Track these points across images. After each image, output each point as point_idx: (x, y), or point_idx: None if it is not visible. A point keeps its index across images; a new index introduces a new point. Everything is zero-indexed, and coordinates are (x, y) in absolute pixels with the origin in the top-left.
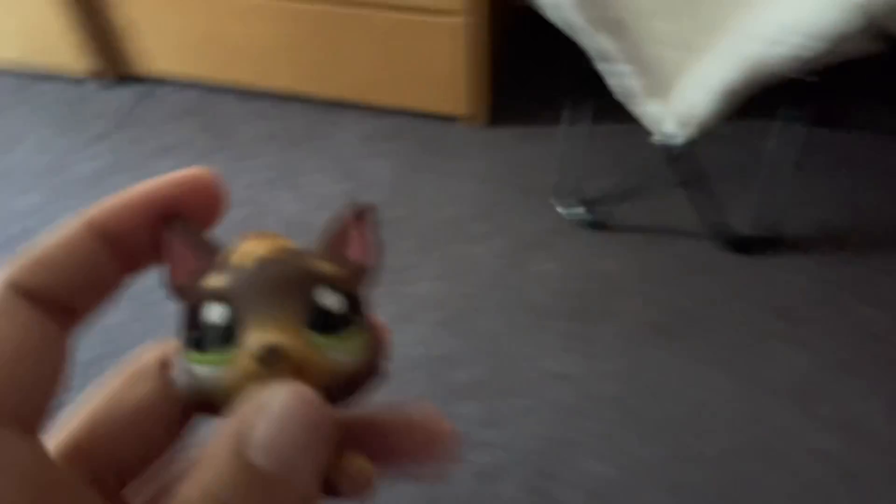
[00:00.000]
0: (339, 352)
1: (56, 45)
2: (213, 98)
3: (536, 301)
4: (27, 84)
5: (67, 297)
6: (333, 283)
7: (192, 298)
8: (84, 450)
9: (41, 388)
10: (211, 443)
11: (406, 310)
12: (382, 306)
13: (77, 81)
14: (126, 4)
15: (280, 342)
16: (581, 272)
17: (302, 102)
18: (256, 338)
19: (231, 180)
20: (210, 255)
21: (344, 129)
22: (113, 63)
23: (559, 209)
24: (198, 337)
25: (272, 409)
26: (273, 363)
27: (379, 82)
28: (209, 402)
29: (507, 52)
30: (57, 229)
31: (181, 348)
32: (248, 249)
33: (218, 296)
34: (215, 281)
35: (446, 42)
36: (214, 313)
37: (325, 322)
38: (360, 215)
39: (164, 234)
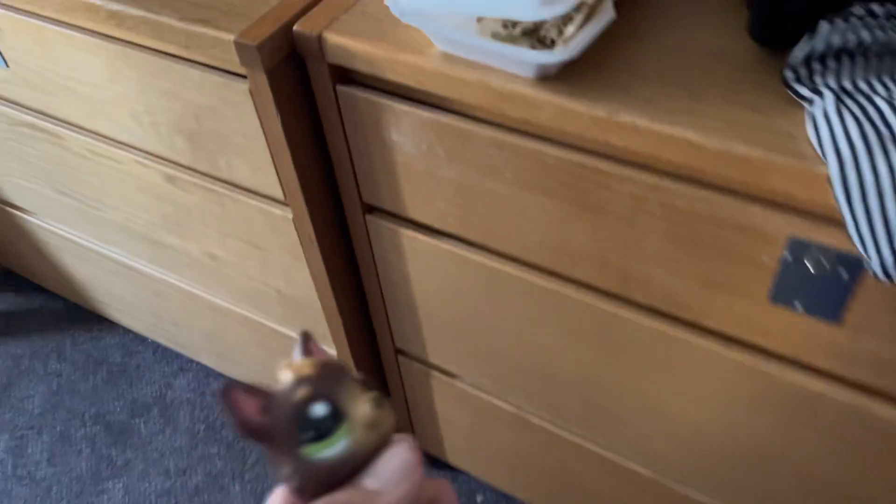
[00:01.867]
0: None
1: None
2: None
3: None
4: None
5: None
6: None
7: (282, 419)
8: None
9: None
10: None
11: None
12: None
13: None
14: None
15: (376, 394)
16: None
17: None
18: (362, 404)
19: None
20: (265, 394)
21: None
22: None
23: None
24: (312, 433)
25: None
26: (383, 405)
27: None
28: (337, 474)
29: None
30: None
31: (296, 454)
32: (297, 369)
33: (314, 398)
34: (302, 393)
35: None
36: (320, 409)
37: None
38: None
39: (223, 399)
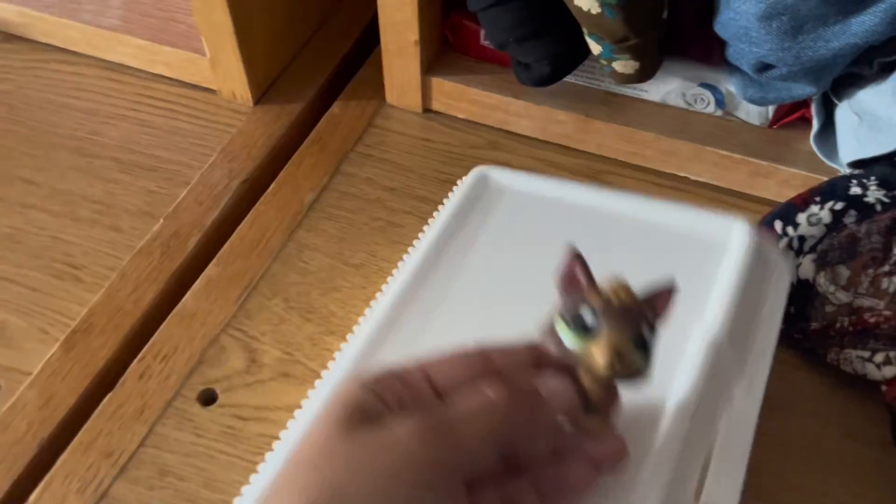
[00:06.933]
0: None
1: None
2: None
3: None
4: None
5: None
6: (650, 324)
7: (575, 300)
8: None
9: None
10: None
11: None
12: None
13: None
14: None
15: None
16: None
17: None
18: (605, 354)
19: None
20: (589, 280)
21: None
22: None
23: None
24: (572, 319)
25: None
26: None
27: None
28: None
29: None
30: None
31: (558, 317)
32: (616, 291)
33: (595, 308)
34: (595, 300)
35: None
36: (589, 316)
37: (644, 345)
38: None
39: (571, 262)
